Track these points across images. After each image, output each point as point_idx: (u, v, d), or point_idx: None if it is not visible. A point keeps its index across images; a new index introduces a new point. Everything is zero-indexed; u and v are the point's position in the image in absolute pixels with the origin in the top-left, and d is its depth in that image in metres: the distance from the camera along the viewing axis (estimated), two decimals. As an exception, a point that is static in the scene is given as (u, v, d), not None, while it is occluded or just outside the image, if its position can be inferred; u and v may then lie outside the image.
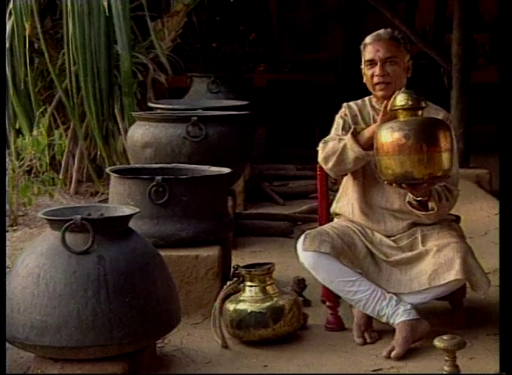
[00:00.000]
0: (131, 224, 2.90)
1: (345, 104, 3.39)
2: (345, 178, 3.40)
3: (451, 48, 6.43)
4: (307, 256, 3.19)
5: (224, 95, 5.99)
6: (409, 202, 3.15)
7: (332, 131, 3.36)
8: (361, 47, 3.32)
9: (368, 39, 3.29)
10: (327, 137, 3.29)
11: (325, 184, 3.51)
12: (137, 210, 2.93)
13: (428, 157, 2.89)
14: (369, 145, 3.10)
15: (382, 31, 3.30)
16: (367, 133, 3.14)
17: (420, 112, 3.01)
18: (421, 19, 10.01)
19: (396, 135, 2.92)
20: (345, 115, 3.35)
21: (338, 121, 3.36)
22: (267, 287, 3.24)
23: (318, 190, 3.53)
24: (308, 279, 3.52)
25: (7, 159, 4.93)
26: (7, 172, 4.78)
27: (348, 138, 3.14)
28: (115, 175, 3.57)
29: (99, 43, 5.24)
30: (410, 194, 3.12)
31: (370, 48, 3.26)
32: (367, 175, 3.30)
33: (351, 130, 3.16)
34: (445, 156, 2.93)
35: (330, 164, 3.21)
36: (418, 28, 9.49)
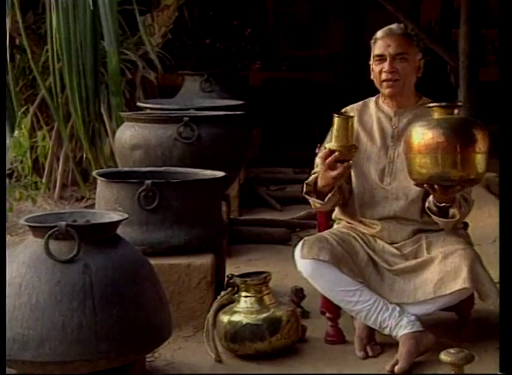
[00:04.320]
0: (119, 231, 2.90)
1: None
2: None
3: (458, 44, 6.44)
4: (305, 264, 3.20)
5: (218, 94, 6.01)
6: (429, 208, 3.16)
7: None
8: (372, 41, 3.32)
9: (379, 33, 3.30)
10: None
11: (325, 188, 3.52)
12: (126, 216, 2.93)
13: (465, 158, 2.91)
14: (330, 187, 3.20)
15: (394, 26, 3.31)
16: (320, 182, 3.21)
17: (456, 111, 3.04)
18: (427, 13, 10.04)
19: (433, 133, 2.93)
20: None
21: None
22: (263, 298, 3.25)
23: (317, 194, 3.54)
24: (307, 288, 3.53)
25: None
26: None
27: (307, 197, 3.27)
28: (102, 179, 3.57)
29: (85, 39, 5.22)
30: (431, 200, 3.12)
31: (380, 43, 3.27)
32: (370, 180, 3.31)
33: (304, 190, 3.26)
34: (482, 158, 2.95)
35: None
36: (423, 23, 9.53)
